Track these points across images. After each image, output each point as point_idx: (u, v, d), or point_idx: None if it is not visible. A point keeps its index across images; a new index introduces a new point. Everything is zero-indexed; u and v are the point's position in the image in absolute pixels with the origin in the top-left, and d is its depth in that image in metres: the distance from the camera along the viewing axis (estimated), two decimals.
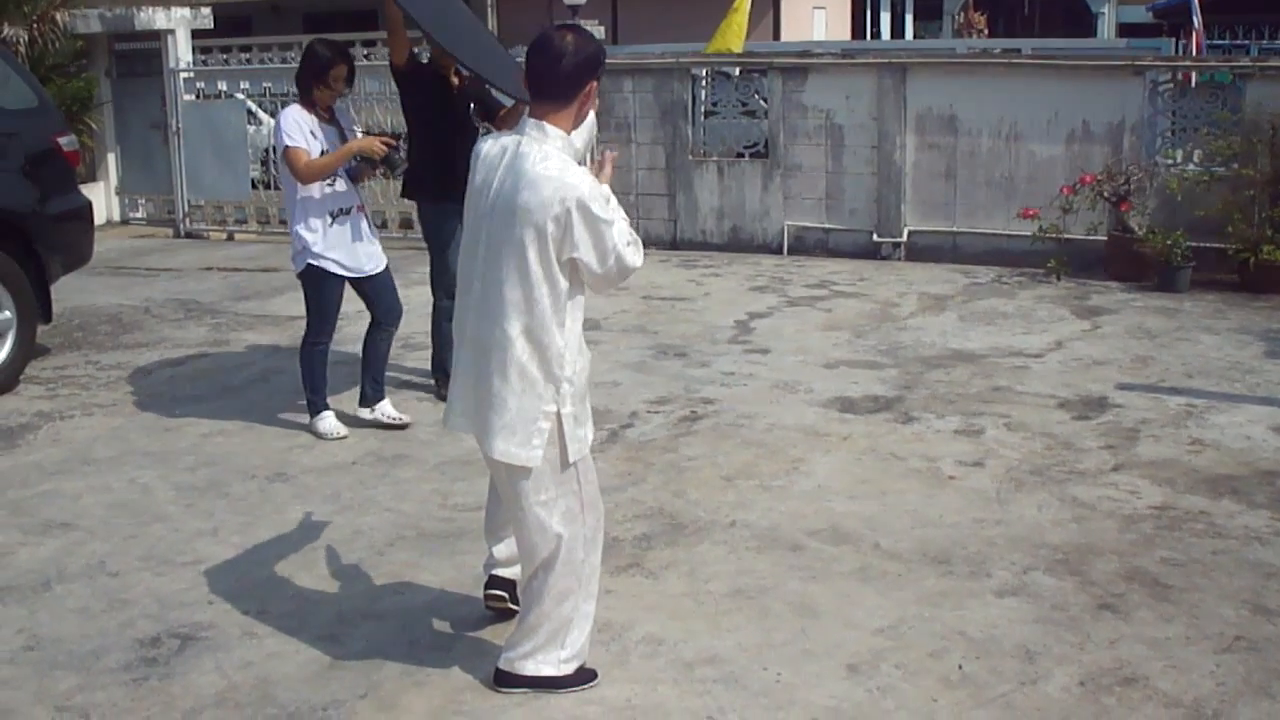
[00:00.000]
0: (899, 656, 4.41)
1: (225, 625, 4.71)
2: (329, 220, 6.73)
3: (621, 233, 3.89)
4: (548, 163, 3.82)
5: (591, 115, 4.12)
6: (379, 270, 6.95)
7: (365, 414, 7.14)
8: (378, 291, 7.02)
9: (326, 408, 7.01)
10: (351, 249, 6.81)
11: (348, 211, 6.80)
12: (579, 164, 3.96)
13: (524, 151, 3.87)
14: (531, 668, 4.17)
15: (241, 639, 4.60)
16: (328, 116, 6.83)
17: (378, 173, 6.95)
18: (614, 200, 3.94)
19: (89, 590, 5.04)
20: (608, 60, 4.18)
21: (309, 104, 6.78)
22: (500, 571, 4.63)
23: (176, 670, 4.38)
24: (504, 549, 4.57)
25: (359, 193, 6.89)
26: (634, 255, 3.94)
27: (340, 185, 6.75)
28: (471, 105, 7.43)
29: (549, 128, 3.90)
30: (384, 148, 6.70)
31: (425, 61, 7.54)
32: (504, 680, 4.20)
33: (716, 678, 4.28)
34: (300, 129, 6.63)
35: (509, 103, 7.24)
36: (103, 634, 4.66)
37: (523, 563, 4.22)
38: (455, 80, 7.34)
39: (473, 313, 3.97)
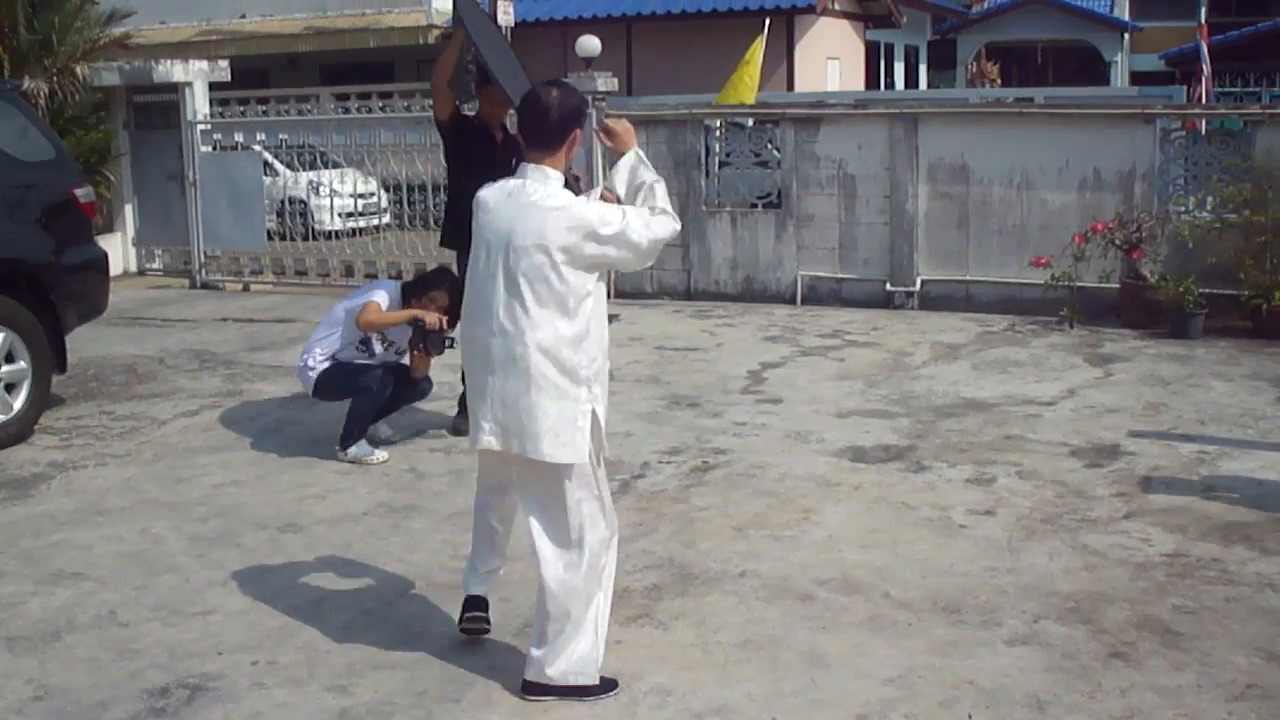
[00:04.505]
0: (908, 706, 4.39)
1: (234, 675, 4.71)
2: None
3: (634, 226, 4.31)
4: (558, 198, 4.32)
5: (631, 158, 4.56)
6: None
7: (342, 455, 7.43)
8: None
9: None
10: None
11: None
12: (628, 200, 4.48)
13: (531, 190, 4.34)
14: (562, 675, 4.36)
15: (250, 689, 4.61)
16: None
17: (424, 349, 7.35)
18: (645, 170, 4.52)
19: (99, 640, 5.05)
20: (623, 111, 4.59)
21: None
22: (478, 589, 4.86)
23: None
24: (484, 585, 4.88)
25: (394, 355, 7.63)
26: (660, 228, 4.37)
27: (377, 347, 7.59)
28: (516, 161, 7.54)
29: (549, 170, 4.40)
30: (437, 320, 7.20)
31: (472, 114, 7.67)
32: (532, 689, 4.39)
33: None
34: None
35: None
36: (112, 684, 4.66)
37: (545, 572, 4.40)
38: (499, 135, 7.42)
39: (498, 337, 4.31)
